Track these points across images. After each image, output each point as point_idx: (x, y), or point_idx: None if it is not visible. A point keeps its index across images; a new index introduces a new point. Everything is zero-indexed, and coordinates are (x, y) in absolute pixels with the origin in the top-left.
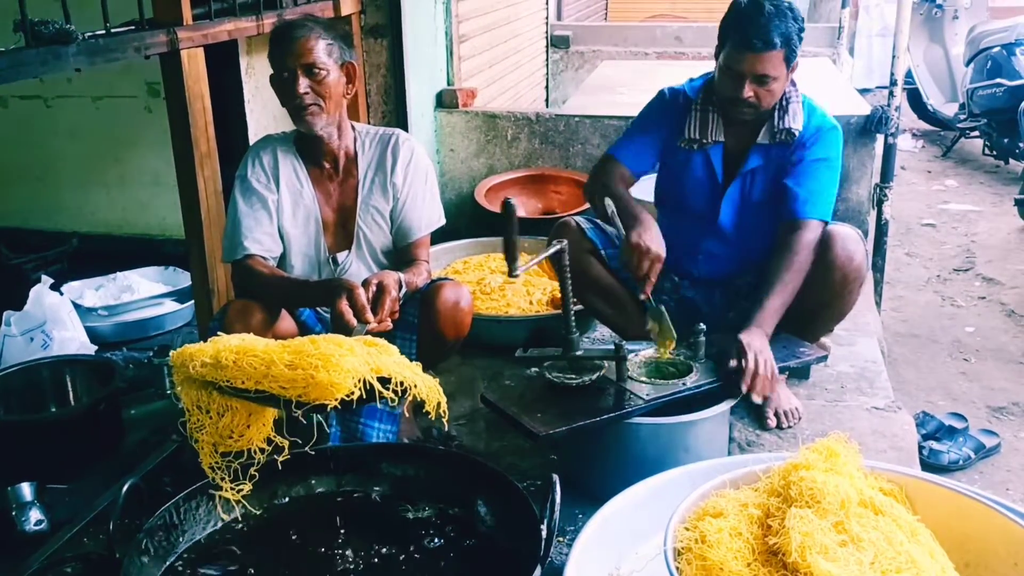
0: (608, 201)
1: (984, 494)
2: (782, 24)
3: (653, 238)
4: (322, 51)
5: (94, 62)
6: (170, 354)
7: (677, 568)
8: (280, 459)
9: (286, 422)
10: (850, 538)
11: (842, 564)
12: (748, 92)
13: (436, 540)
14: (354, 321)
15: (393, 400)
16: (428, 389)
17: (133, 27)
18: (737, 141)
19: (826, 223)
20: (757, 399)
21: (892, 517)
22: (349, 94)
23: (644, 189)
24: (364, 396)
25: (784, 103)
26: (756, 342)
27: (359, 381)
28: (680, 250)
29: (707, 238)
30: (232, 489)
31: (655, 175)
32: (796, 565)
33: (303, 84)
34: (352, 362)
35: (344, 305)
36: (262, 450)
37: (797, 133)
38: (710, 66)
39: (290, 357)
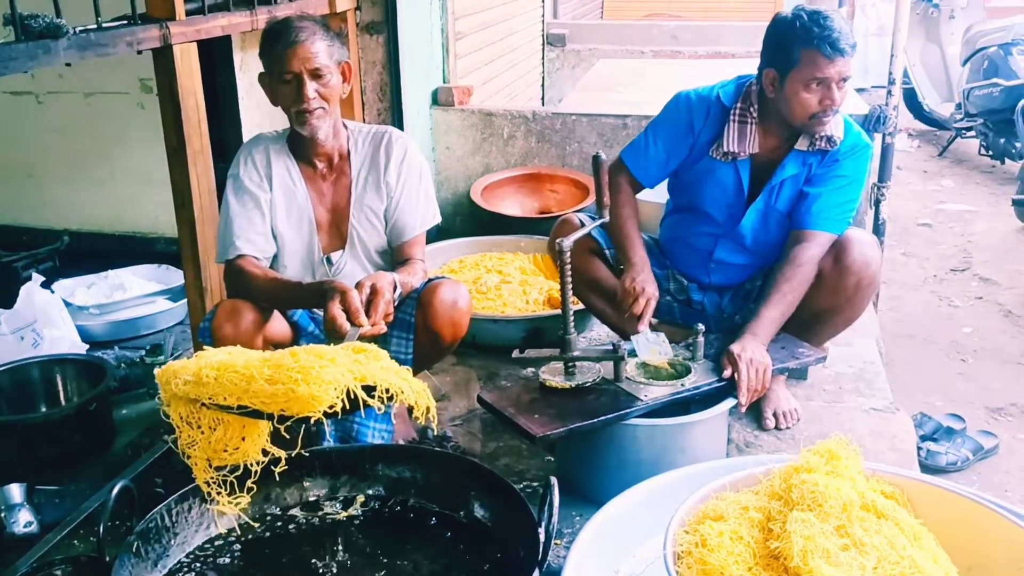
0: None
1: (986, 497)
2: (848, 26)
3: (646, 279)
4: (326, 54)
5: (85, 56)
6: (155, 372)
7: (677, 572)
8: (277, 470)
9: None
10: (852, 542)
11: (845, 569)
12: (838, 97)
13: (432, 542)
14: (347, 325)
15: (380, 408)
16: (416, 394)
17: (125, 22)
18: (768, 151)
19: (837, 236)
20: (742, 408)
21: (895, 521)
22: (344, 94)
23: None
24: (348, 406)
25: None
26: (748, 351)
27: (342, 392)
28: (691, 257)
29: (722, 247)
30: (230, 502)
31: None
32: (798, 570)
33: (311, 89)
34: (333, 373)
35: (337, 309)
36: (258, 461)
37: (838, 142)
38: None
39: (270, 372)
